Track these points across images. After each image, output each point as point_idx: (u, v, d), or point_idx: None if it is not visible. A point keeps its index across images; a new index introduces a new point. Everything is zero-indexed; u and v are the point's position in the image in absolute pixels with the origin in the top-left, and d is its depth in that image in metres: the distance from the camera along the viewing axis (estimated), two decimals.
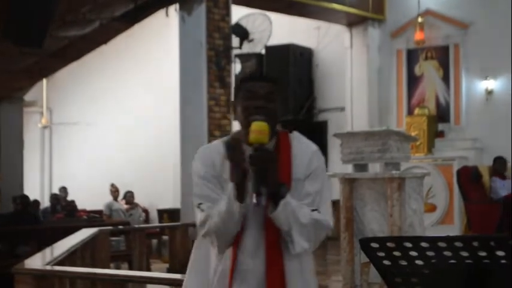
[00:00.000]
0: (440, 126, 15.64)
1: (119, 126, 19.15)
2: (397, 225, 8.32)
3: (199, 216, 3.22)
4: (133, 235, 12.55)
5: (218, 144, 3.31)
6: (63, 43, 13.12)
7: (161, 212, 17.51)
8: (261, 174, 3.01)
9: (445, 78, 15.74)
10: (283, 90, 17.32)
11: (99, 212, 15.95)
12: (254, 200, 3.00)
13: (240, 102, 3.25)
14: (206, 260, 3.33)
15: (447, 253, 2.07)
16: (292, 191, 3.15)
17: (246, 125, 3.18)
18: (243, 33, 13.87)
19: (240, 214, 3.09)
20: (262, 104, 3.20)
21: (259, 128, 3.07)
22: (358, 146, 8.73)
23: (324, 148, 17.36)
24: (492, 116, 15.12)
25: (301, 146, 3.29)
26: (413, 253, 2.11)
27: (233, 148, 3.12)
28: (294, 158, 3.24)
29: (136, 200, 17.08)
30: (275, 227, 3.12)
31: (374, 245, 2.15)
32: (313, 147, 3.32)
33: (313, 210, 3.14)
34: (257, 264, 3.17)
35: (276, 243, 3.16)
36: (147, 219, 17.74)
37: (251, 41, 13.83)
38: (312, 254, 3.34)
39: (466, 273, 2.10)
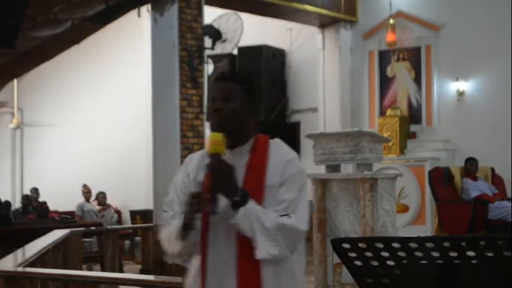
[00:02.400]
0: (412, 128, 15.71)
1: (90, 127, 19.07)
2: (369, 225, 8.35)
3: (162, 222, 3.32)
4: (106, 236, 12.51)
5: (199, 154, 3.37)
6: (34, 43, 13.04)
7: (134, 213, 17.45)
8: (216, 184, 3.06)
9: (417, 80, 15.81)
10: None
11: (71, 213, 15.86)
12: (208, 210, 3.07)
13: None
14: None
15: (418, 254, 2.08)
16: (266, 197, 3.15)
17: (211, 129, 3.21)
18: (215, 34, 13.86)
19: (185, 240, 3.17)
20: (219, 106, 3.19)
21: (214, 138, 3.12)
22: (331, 146, 8.76)
23: (296, 149, 17.40)
24: (464, 118, 15.21)
25: (278, 152, 3.26)
26: (385, 254, 2.12)
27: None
28: (270, 165, 3.21)
29: (109, 201, 17.02)
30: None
31: (346, 245, 2.15)
32: (290, 155, 3.26)
33: (282, 215, 3.10)
34: (231, 273, 3.14)
35: (249, 251, 3.11)
36: (119, 220, 17.66)
37: (224, 41, 13.81)
38: (299, 260, 3.29)
39: (437, 274, 2.11)
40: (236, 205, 3.07)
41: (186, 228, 3.14)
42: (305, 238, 3.31)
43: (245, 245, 3.12)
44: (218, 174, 3.05)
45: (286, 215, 3.10)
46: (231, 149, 3.21)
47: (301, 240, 3.21)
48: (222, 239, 3.17)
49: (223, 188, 3.07)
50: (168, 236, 3.24)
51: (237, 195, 3.07)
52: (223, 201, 3.11)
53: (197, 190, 3.20)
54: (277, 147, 3.29)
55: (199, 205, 3.07)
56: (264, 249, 3.06)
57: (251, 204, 3.07)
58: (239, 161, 3.21)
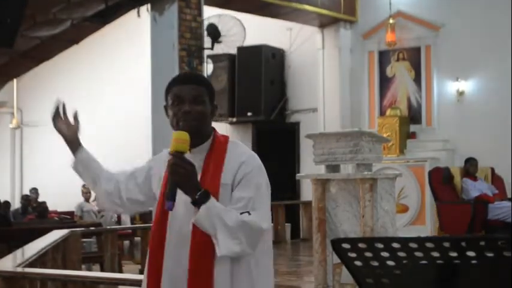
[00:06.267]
0: (412, 128, 15.70)
1: (90, 127, 19.01)
2: (369, 225, 8.34)
3: None
4: (105, 236, 12.49)
5: (167, 150, 3.44)
6: (34, 43, 13.05)
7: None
8: (174, 182, 3.13)
9: (417, 80, 15.81)
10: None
11: (71, 213, 15.86)
12: (166, 206, 3.16)
13: (170, 107, 3.38)
14: None
15: (418, 254, 2.08)
16: (221, 195, 3.21)
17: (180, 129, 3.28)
18: (215, 34, 13.85)
19: (75, 163, 3.78)
20: (188, 108, 3.29)
21: (178, 136, 3.20)
22: (331, 147, 8.75)
23: (296, 149, 17.39)
24: (463, 118, 15.21)
25: (235, 152, 3.32)
26: (385, 254, 2.11)
27: None
28: (226, 164, 3.28)
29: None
30: (201, 233, 3.16)
31: (345, 245, 2.14)
32: (245, 155, 3.33)
33: (242, 213, 3.15)
34: (184, 272, 3.22)
35: (202, 249, 3.19)
36: (118, 221, 17.64)
37: (219, 42, 13.78)
38: (263, 256, 3.33)
39: (437, 274, 2.11)
40: (197, 203, 3.11)
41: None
42: (272, 239, 3.41)
43: (199, 243, 3.19)
44: (178, 171, 3.11)
45: (247, 212, 3.16)
46: (191, 149, 3.30)
47: (263, 237, 3.26)
48: (178, 236, 3.25)
49: (183, 186, 3.12)
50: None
51: (197, 193, 3.12)
52: (183, 199, 3.18)
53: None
54: (235, 147, 3.36)
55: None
56: (225, 247, 3.11)
57: (212, 203, 3.12)
58: (198, 159, 3.30)
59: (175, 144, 3.19)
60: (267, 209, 3.26)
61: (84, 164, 3.72)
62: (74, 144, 3.74)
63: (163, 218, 3.30)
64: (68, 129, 3.73)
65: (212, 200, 3.13)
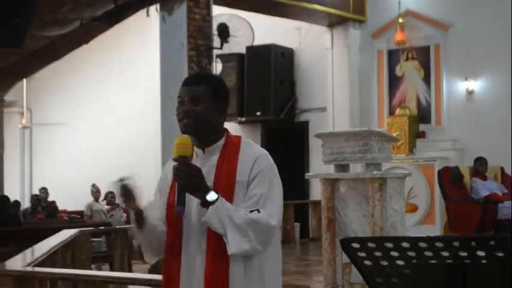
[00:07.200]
0: (422, 127, 15.67)
1: (99, 127, 19.09)
2: (378, 225, 8.33)
3: None
4: (115, 236, 12.52)
5: (167, 165, 3.54)
6: (43, 43, 13.08)
7: None
8: (181, 186, 3.17)
9: (426, 79, 15.78)
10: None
11: (80, 213, 15.87)
12: (177, 211, 3.20)
13: (176, 109, 3.44)
14: None
15: (428, 253, 2.08)
16: (236, 193, 3.24)
17: (181, 131, 3.34)
18: (225, 33, 13.85)
19: (140, 236, 3.38)
20: (187, 109, 3.34)
21: (180, 141, 3.26)
22: (340, 146, 8.74)
23: (305, 148, 17.38)
24: (473, 117, 15.18)
25: (249, 150, 3.35)
26: (395, 253, 2.11)
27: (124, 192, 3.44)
28: (240, 161, 3.30)
29: (118, 200, 17.03)
30: (217, 233, 3.19)
31: (355, 245, 2.15)
32: (259, 152, 3.35)
33: (252, 211, 3.17)
34: (200, 271, 3.24)
35: (217, 247, 3.20)
36: (128, 220, 17.67)
37: (227, 42, 13.78)
38: (272, 256, 3.34)
39: (446, 273, 2.11)
40: (205, 204, 3.15)
41: (136, 224, 3.38)
42: (281, 238, 3.42)
43: (214, 244, 3.21)
44: (182, 176, 3.16)
45: (257, 210, 3.18)
46: (204, 149, 3.36)
47: (274, 235, 3.28)
48: (194, 239, 3.28)
49: (190, 189, 3.17)
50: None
51: (205, 194, 3.15)
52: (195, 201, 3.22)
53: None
54: (248, 146, 3.39)
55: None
56: (235, 245, 3.14)
57: (221, 202, 3.15)
58: (211, 159, 3.34)
59: (177, 150, 3.23)
60: (278, 206, 3.27)
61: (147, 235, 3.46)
62: (141, 219, 3.42)
63: (177, 225, 3.32)
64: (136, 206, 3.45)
65: (221, 199, 3.15)
